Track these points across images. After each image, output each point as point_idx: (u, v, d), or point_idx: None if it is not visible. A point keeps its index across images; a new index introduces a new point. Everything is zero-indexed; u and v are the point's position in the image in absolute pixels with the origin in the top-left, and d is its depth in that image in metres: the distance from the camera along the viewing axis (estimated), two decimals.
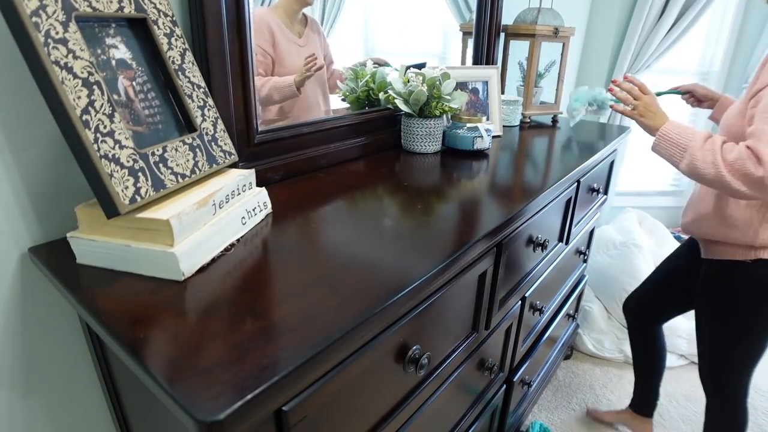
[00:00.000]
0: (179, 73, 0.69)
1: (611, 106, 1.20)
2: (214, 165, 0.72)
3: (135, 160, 0.59)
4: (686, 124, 1.04)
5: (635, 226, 2.28)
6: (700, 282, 1.23)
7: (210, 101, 0.74)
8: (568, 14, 1.80)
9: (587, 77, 2.43)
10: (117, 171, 0.56)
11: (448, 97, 1.17)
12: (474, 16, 1.54)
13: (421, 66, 1.26)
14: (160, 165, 0.63)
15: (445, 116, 1.23)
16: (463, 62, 1.66)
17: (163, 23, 0.68)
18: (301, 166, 1.01)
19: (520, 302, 1.13)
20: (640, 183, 2.80)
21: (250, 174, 0.76)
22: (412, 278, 0.61)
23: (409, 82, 1.16)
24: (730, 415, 1.25)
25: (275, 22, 1.15)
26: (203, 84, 0.73)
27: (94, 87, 0.56)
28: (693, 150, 0.97)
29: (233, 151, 0.77)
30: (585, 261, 1.72)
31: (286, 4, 1.17)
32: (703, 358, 1.26)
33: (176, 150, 0.66)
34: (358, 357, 0.57)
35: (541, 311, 1.27)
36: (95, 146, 0.54)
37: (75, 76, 0.54)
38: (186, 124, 0.70)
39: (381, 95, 1.23)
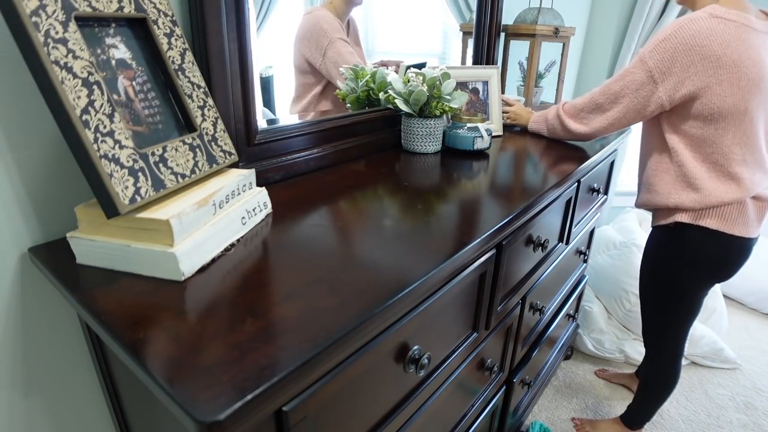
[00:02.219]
0: (179, 73, 0.69)
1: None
2: (214, 165, 0.72)
3: (135, 160, 0.59)
4: (539, 112, 1.38)
5: (635, 226, 2.28)
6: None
7: (210, 101, 0.74)
8: (568, 14, 1.80)
9: (587, 77, 2.43)
10: (117, 171, 0.56)
11: (448, 97, 1.17)
12: (474, 16, 1.54)
13: (421, 66, 1.26)
14: (160, 165, 0.62)
15: (445, 116, 1.23)
16: (463, 62, 1.66)
17: (163, 23, 0.68)
18: (301, 166, 1.01)
19: (520, 302, 1.13)
20: None
21: (250, 174, 0.76)
22: (412, 278, 0.61)
23: (409, 82, 1.16)
24: (666, 373, 1.40)
25: (333, 20, 1.20)
26: (203, 84, 0.73)
27: (94, 87, 0.56)
28: (548, 121, 1.34)
29: (233, 151, 0.76)
30: (585, 261, 1.71)
31: (340, 4, 1.21)
32: (643, 326, 1.43)
33: (176, 150, 0.66)
34: (358, 357, 0.57)
35: (541, 311, 1.27)
36: (95, 146, 0.54)
37: (75, 76, 0.54)
38: (186, 124, 0.70)
39: (381, 95, 1.23)
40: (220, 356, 0.46)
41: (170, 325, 0.51)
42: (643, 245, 2.05)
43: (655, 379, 1.42)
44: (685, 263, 1.21)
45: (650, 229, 1.32)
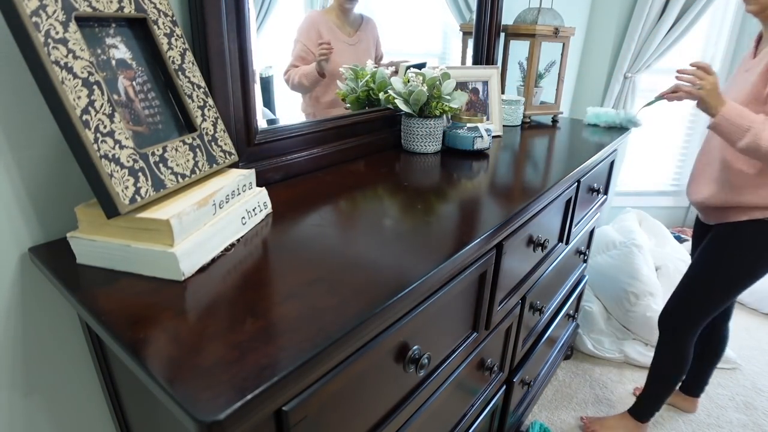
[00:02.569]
0: (179, 73, 0.69)
1: (667, 96, 1.24)
2: (214, 165, 0.72)
3: (135, 160, 0.59)
4: (741, 106, 1.13)
5: (635, 226, 2.28)
6: (701, 246, 1.38)
7: (210, 101, 0.74)
8: (568, 14, 1.80)
9: (587, 77, 2.43)
10: (117, 171, 0.56)
11: (448, 97, 1.17)
12: (474, 16, 1.54)
13: (421, 66, 1.26)
14: (160, 165, 0.63)
15: (445, 116, 1.23)
16: (463, 62, 1.65)
17: (163, 23, 0.68)
18: (302, 166, 1.01)
19: (520, 302, 1.13)
20: (640, 183, 2.80)
21: (250, 174, 0.76)
22: (412, 278, 0.61)
23: (409, 82, 1.16)
24: (675, 356, 1.44)
25: (325, 23, 1.24)
26: (203, 84, 0.73)
27: (94, 87, 0.56)
28: (757, 131, 1.07)
29: (233, 151, 0.77)
30: (585, 261, 1.71)
31: (336, 6, 1.27)
32: (669, 303, 1.44)
33: (176, 150, 0.66)
34: (358, 357, 0.57)
35: (541, 311, 1.27)
36: (95, 146, 0.54)
37: (75, 76, 0.54)
38: (186, 124, 0.70)
39: (381, 95, 1.23)
40: (220, 356, 0.46)
41: (170, 325, 0.51)
42: (643, 245, 2.08)
43: (669, 362, 1.45)
44: (759, 253, 1.25)
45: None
